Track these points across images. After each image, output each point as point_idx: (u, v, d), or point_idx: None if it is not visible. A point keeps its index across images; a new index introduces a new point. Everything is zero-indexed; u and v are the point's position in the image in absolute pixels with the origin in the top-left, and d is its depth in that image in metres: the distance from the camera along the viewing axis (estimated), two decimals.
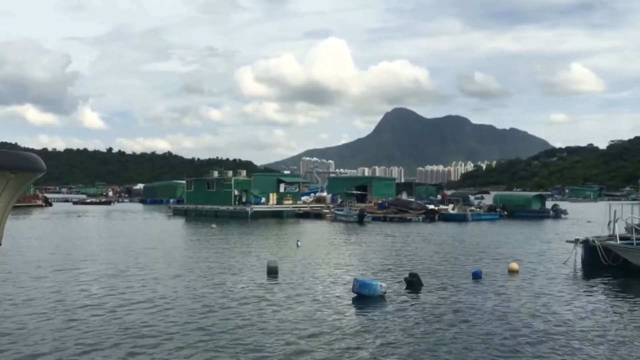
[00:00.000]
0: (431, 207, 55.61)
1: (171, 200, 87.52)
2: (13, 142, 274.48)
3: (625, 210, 27.40)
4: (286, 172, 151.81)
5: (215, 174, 63.14)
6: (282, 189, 61.08)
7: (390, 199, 61.59)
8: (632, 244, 20.66)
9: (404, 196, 66.63)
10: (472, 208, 59.24)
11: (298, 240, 29.95)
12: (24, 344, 10.95)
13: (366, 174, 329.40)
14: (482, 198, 79.68)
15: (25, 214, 59.66)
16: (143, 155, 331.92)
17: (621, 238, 21.57)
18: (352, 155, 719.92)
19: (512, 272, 20.27)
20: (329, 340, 11.42)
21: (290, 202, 59.52)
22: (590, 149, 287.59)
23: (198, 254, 25.99)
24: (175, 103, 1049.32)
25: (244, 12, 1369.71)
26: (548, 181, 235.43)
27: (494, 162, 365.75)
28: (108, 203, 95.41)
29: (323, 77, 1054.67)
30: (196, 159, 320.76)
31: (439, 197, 73.37)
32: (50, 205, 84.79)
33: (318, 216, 55.17)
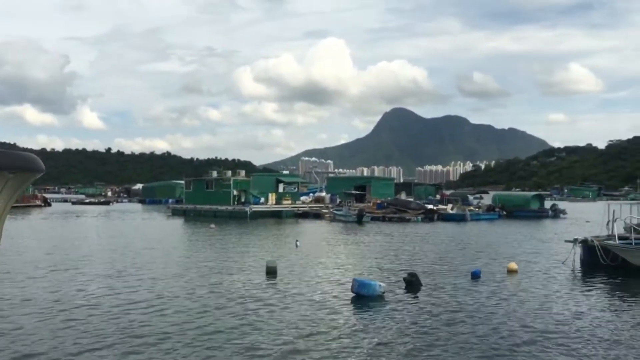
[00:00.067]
0: (430, 207, 55.66)
1: (170, 201, 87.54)
2: (12, 142, 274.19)
3: (624, 210, 27.45)
4: (285, 172, 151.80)
5: (214, 174, 63.17)
6: (281, 189, 61.12)
7: (389, 199, 61.62)
8: (631, 243, 20.68)
9: (403, 196, 66.67)
10: (471, 208, 59.28)
11: (297, 240, 29.94)
12: (21, 344, 10.93)
13: (365, 174, 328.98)
14: (481, 198, 79.69)
15: (24, 214, 59.63)
16: (142, 155, 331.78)
17: (620, 238, 21.60)
18: (351, 155, 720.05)
19: (510, 271, 20.27)
20: (328, 340, 11.41)
21: (289, 202, 59.53)
22: (589, 149, 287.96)
23: (197, 254, 25.98)
24: (174, 103, 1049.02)
25: (244, 12, 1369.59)
26: (547, 181, 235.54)
27: (493, 162, 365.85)
28: (107, 203, 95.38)
29: (322, 77, 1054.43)
30: (195, 159, 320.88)
31: (438, 197, 73.43)
32: (49, 205, 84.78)
33: (317, 216, 55.18)
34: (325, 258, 24.53)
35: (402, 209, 54.12)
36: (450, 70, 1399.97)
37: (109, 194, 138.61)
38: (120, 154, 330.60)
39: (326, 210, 56.31)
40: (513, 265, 20.81)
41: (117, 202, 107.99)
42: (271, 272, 19.36)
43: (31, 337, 11.40)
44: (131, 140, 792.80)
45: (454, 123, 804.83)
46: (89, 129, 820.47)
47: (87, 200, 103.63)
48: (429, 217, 51.46)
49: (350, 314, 13.92)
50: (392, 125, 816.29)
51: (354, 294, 15.65)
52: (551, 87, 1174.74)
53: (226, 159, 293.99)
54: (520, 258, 24.06)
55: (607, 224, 24.32)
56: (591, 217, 50.77)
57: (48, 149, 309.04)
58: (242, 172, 66.57)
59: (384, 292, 15.70)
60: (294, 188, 64.10)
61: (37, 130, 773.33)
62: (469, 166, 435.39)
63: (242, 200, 57.30)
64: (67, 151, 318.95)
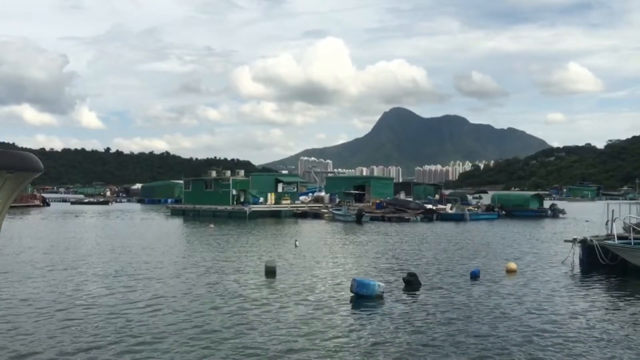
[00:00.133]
0: (429, 206, 55.61)
1: (169, 200, 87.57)
2: (10, 142, 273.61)
3: (623, 210, 27.55)
4: (284, 171, 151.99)
5: (213, 173, 63.15)
6: (280, 189, 61.14)
7: (388, 198, 61.58)
8: (630, 243, 20.69)
9: (402, 196, 66.58)
10: (470, 208, 59.20)
11: (296, 240, 29.93)
12: (20, 344, 10.91)
13: (364, 173, 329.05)
14: (480, 198, 79.43)
15: (22, 214, 59.57)
16: (141, 155, 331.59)
17: (619, 237, 21.62)
18: (350, 154, 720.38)
19: (509, 271, 20.27)
20: (327, 340, 11.40)
21: (289, 202, 59.54)
22: (588, 149, 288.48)
23: (195, 253, 25.96)
24: (173, 103, 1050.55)
25: (242, 12, 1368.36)
26: (546, 181, 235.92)
27: (492, 162, 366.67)
28: (106, 203, 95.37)
29: (321, 77, 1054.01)
30: (194, 159, 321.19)
31: (437, 196, 73.40)
32: (48, 205, 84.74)
33: (316, 216, 55.15)
34: (325, 258, 24.51)
35: (401, 208, 54.12)
36: (449, 70, 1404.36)
37: (108, 193, 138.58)
38: (119, 153, 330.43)
39: (325, 210, 56.28)
40: (512, 265, 20.81)
41: (116, 202, 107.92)
42: (270, 272, 19.34)
43: (29, 337, 11.39)
44: (130, 140, 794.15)
45: (453, 123, 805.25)
46: (88, 128, 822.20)
47: (86, 200, 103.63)
48: (428, 217, 51.46)
49: (349, 314, 13.90)
50: (391, 124, 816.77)
51: (353, 294, 15.63)
52: (550, 86, 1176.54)
53: (225, 159, 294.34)
54: (519, 258, 24.07)
55: (606, 224, 24.36)
56: (590, 217, 50.86)
57: (47, 149, 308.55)
58: (241, 172, 66.62)
59: (383, 292, 15.69)
60: (293, 188, 64.08)
61: (36, 130, 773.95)
62: (468, 166, 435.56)
63: (241, 200, 57.27)
64: (66, 151, 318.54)
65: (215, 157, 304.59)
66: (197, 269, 20.75)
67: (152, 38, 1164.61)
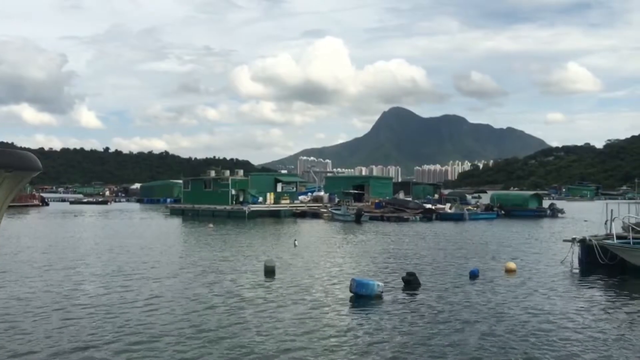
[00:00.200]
0: (428, 206, 55.62)
1: (168, 200, 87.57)
2: (9, 142, 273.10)
3: (622, 210, 27.53)
4: (283, 171, 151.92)
5: (212, 173, 63.10)
6: (279, 189, 61.17)
7: (387, 198, 61.57)
8: (629, 243, 20.69)
9: (401, 195, 66.60)
10: (469, 207, 59.25)
11: (295, 240, 29.91)
12: (18, 343, 10.89)
13: (363, 173, 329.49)
14: (479, 197, 79.49)
15: (21, 214, 59.51)
16: (140, 154, 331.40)
17: (618, 237, 21.61)
18: (349, 154, 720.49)
19: (509, 271, 20.26)
20: (325, 339, 11.38)
21: (288, 201, 59.56)
22: (587, 148, 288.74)
23: (194, 253, 25.95)
24: (172, 102, 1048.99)
25: (241, 12, 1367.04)
26: (545, 180, 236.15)
27: (491, 162, 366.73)
28: (105, 203, 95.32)
29: (320, 77, 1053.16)
30: (193, 159, 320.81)
31: (436, 196, 73.41)
32: (47, 204, 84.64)
33: (315, 216, 55.14)
34: (324, 258, 24.50)
35: (401, 208, 54.14)
36: (449, 70, 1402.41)
37: (107, 193, 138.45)
38: (118, 153, 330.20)
39: (324, 210, 56.29)
40: (511, 265, 20.81)
41: (115, 201, 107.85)
42: (269, 272, 19.33)
43: (27, 336, 11.37)
44: (129, 140, 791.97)
45: (452, 122, 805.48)
46: (87, 128, 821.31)
47: (85, 200, 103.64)
48: (427, 216, 51.47)
49: (348, 314, 13.89)
50: (390, 124, 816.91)
51: (352, 294, 15.62)
52: (549, 86, 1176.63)
53: (224, 159, 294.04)
54: (518, 257, 24.07)
55: (605, 223, 24.34)
56: (589, 217, 50.89)
57: (46, 149, 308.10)
58: (241, 172, 66.59)
59: (382, 292, 15.68)
60: (292, 187, 64.10)
61: (35, 129, 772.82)
62: (467, 165, 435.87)
63: (241, 199, 57.26)
64: (65, 151, 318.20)
65: (214, 157, 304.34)
66: (196, 269, 20.73)
67: (152, 38, 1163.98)
